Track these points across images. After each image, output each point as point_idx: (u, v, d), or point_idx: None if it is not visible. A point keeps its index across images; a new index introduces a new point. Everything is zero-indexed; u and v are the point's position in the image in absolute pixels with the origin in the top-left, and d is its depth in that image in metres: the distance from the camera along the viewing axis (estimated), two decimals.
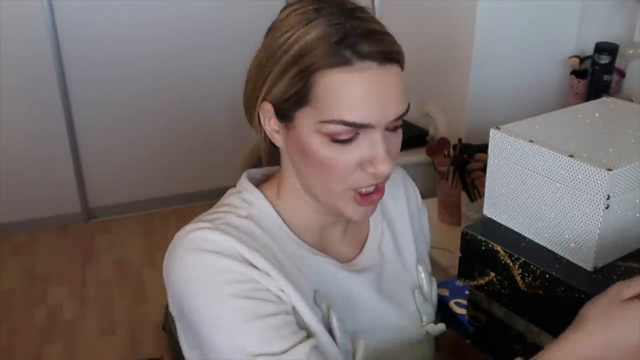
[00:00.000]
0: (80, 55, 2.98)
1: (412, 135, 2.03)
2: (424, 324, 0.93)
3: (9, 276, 2.80)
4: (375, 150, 0.72)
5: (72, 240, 3.11)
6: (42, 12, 2.83)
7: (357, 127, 0.70)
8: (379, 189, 0.76)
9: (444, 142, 1.65)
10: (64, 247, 3.05)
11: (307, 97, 0.70)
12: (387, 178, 0.76)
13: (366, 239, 0.91)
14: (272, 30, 0.76)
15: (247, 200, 0.81)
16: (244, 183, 0.84)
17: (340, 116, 0.69)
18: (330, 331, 0.78)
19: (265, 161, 0.89)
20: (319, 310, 0.78)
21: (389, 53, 0.70)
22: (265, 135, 0.79)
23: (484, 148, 1.23)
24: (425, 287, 0.95)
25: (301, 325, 0.75)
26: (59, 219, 3.20)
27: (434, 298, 0.97)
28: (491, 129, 1.01)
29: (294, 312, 0.75)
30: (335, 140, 0.71)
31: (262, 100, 0.75)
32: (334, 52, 0.68)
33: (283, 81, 0.71)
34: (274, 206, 0.81)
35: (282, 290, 0.74)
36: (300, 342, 0.72)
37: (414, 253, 0.96)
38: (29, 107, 2.98)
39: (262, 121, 0.77)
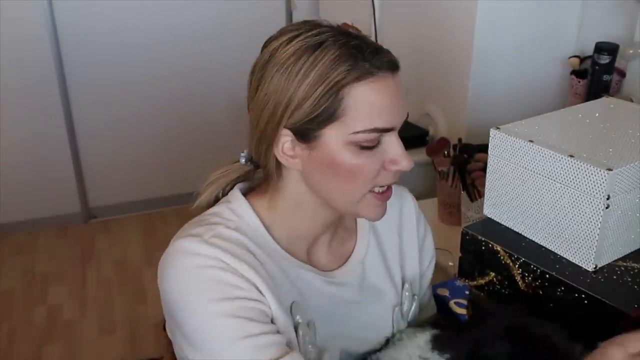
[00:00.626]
0: (80, 55, 2.98)
1: (412, 135, 2.03)
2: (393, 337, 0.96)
3: (9, 276, 2.80)
4: (396, 149, 0.80)
5: (72, 240, 3.11)
6: (42, 14, 2.83)
7: (384, 132, 0.78)
8: (389, 187, 0.84)
9: (444, 142, 1.65)
10: (64, 247, 3.04)
11: (336, 113, 0.76)
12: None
13: (352, 251, 0.94)
14: (275, 58, 0.77)
15: (235, 211, 0.84)
16: (235, 194, 0.87)
17: (373, 124, 0.76)
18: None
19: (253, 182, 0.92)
20: (291, 321, 0.82)
21: (394, 63, 0.79)
22: (275, 162, 0.81)
23: (484, 148, 1.23)
24: (406, 307, 0.98)
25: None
26: (59, 219, 3.20)
27: (410, 317, 0.99)
28: (491, 129, 1.01)
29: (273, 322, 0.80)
30: (364, 147, 0.77)
31: (282, 127, 0.78)
32: (357, 67, 0.75)
33: (308, 103, 0.75)
34: (261, 218, 0.85)
35: (266, 302, 0.78)
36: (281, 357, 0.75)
37: (400, 270, 0.98)
38: (29, 107, 2.98)
39: (273, 150, 0.80)
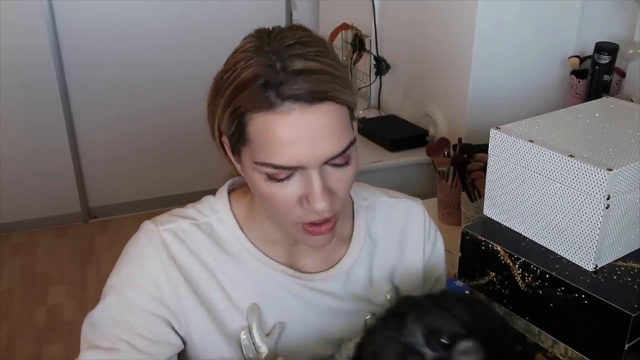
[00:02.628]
0: (80, 54, 2.98)
1: (412, 135, 2.03)
2: None
3: (9, 276, 2.80)
4: (310, 187, 0.71)
5: (72, 240, 3.11)
6: (42, 14, 2.83)
7: (287, 170, 0.70)
8: (328, 220, 0.75)
9: (444, 142, 1.65)
10: (64, 247, 3.04)
11: (243, 137, 0.71)
12: (333, 213, 0.75)
13: (340, 259, 0.88)
14: (225, 63, 0.77)
15: (213, 207, 0.85)
16: (222, 189, 0.88)
17: (270, 160, 0.69)
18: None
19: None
20: (239, 325, 0.82)
21: (315, 93, 0.68)
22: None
23: (484, 148, 1.23)
24: None
25: (190, 337, 0.81)
26: (59, 219, 3.20)
27: None
28: (491, 129, 1.01)
29: (187, 324, 0.80)
30: (271, 178, 0.71)
31: (220, 134, 0.77)
32: (259, 95, 0.68)
33: (224, 118, 0.73)
34: (238, 216, 0.84)
35: (177, 312, 0.80)
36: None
37: (389, 282, 0.91)
38: (30, 107, 2.98)
39: (227, 151, 0.79)
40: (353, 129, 0.76)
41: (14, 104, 2.94)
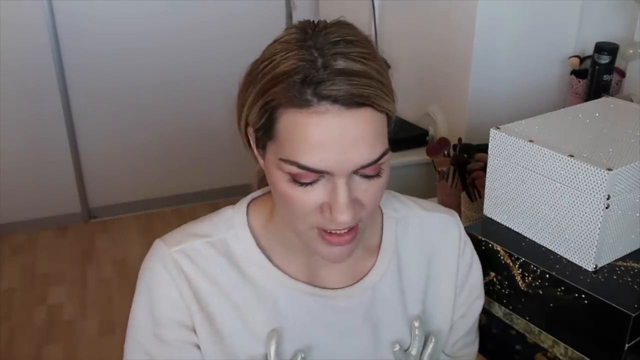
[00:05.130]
0: (80, 54, 2.98)
1: (412, 135, 2.03)
2: None
3: (9, 276, 2.80)
4: (335, 197, 0.66)
5: (72, 240, 3.11)
6: (42, 17, 2.83)
7: (313, 172, 0.65)
8: (353, 228, 0.69)
9: (444, 142, 1.65)
10: (64, 247, 3.04)
11: (271, 131, 0.67)
12: (357, 222, 0.70)
13: (366, 273, 0.82)
14: (263, 52, 0.72)
15: (230, 222, 0.81)
16: (242, 202, 0.83)
17: (296, 158, 0.65)
18: None
19: (260, 183, 0.88)
20: (252, 350, 0.78)
21: (355, 96, 0.63)
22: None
23: (484, 148, 1.23)
24: (415, 349, 0.83)
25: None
26: (59, 219, 3.20)
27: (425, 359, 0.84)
28: (491, 129, 1.01)
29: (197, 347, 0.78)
30: (295, 180, 0.67)
31: (246, 125, 0.73)
32: (295, 91, 0.63)
33: (254, 110, 0.69)
34: (255, 228, 0.80)
35: (194, 330, 0.78)
36: None
37: (417, 307, 0.85)
38: (30, 107, 2.98)
39: (251, 144, 0.75)
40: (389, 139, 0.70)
41: (14, 104, 2.94)
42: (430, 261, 0.86)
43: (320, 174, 0.65)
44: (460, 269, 0.87)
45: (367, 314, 0.81)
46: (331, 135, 0.63)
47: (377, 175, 0.68)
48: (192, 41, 3.11)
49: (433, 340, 0.84)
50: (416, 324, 0.82)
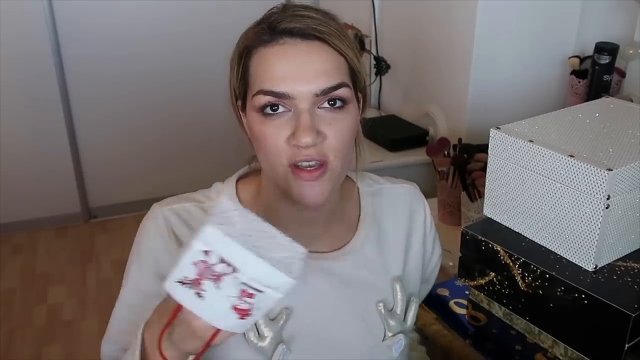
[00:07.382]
0: (80, 54, 2.98)
1: (412, 135, 2.03)
2: (385, 338, 0.88)
3: (9, 276, 2.80)
4: (298, 122, 0.73)
5: (72, 240, 3.11)
6: (41, 10, 2.83)
7: (277, 97, 0.73)
8: (320, 165, 0.75)
9: (444, 142, 1.65)
10: (64, 247, 3.04)
11: (247, 78, 0.77)
12: (323, 156, 0.75)
13: (348, 241, 0.89)
14: None
15: (220, 192, 0.88)
16: (231, 177, 0.91)
17: (262, 87, 0.74)
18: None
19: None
20: None
21: (310, 29, 0.74)
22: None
23: (484, 148, 1.23)
24: (399, 308, 0.89)
25: None
26: (59, 218, 3.20)
27: (409, 319, 0.91)
28: (491, 129, 1.01)
29: None
30: (264, 113, 0.74)
31: (236, 99, 0.81)
32: (259, 33, 0.76)
33: (234, 71, 0.79)
34: (243, 200, 0.87)
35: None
36: None
37: (398, 269, 0.91)
38: (29, 106, 2.98)
39: (241, 120, 0.83)
40: (359, 100, 0.82)
41: (14, 104, 2.94)
42: (405, 226, 0.95)
43: (283, 99, 0.73)
44: (426, 246, 0.98)
45: (350, 275, 0.87)
46: (290, 63, 0.73)
47: (341, 109, 0.76)
48: (192, 41, 3.11)
49: (415, 300, 0.92)
50: (397, 285, 0.90)
